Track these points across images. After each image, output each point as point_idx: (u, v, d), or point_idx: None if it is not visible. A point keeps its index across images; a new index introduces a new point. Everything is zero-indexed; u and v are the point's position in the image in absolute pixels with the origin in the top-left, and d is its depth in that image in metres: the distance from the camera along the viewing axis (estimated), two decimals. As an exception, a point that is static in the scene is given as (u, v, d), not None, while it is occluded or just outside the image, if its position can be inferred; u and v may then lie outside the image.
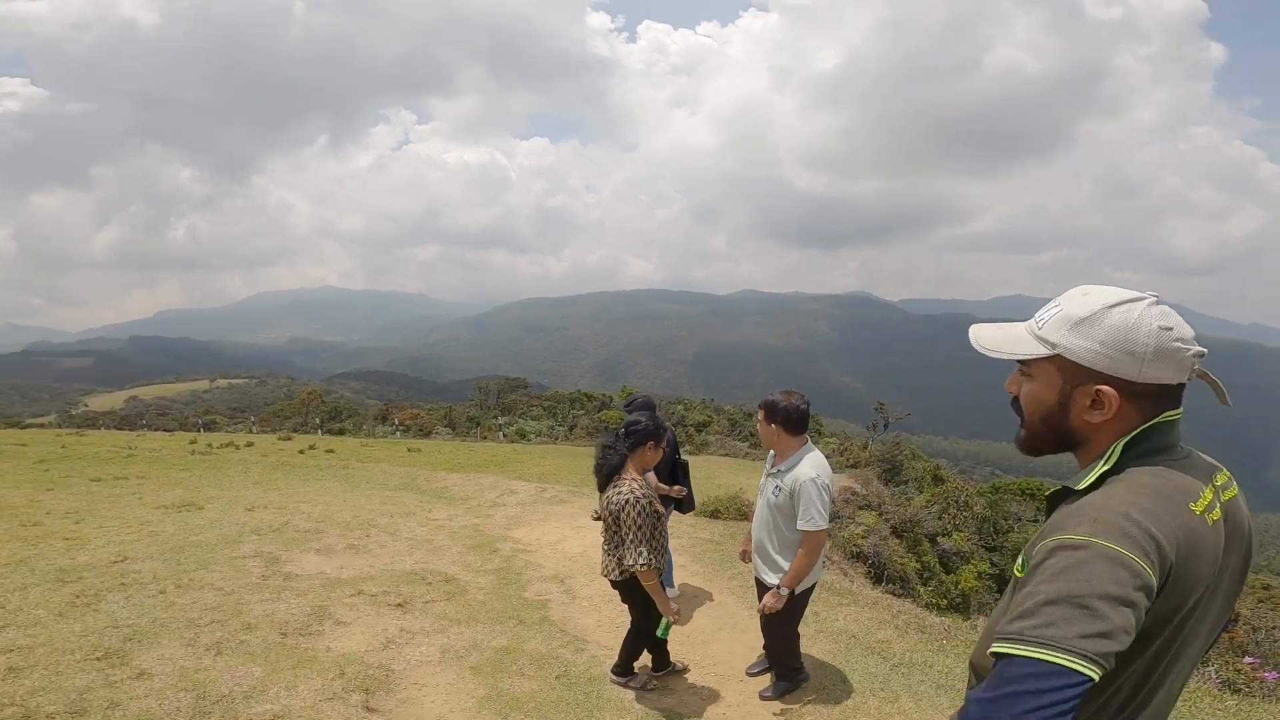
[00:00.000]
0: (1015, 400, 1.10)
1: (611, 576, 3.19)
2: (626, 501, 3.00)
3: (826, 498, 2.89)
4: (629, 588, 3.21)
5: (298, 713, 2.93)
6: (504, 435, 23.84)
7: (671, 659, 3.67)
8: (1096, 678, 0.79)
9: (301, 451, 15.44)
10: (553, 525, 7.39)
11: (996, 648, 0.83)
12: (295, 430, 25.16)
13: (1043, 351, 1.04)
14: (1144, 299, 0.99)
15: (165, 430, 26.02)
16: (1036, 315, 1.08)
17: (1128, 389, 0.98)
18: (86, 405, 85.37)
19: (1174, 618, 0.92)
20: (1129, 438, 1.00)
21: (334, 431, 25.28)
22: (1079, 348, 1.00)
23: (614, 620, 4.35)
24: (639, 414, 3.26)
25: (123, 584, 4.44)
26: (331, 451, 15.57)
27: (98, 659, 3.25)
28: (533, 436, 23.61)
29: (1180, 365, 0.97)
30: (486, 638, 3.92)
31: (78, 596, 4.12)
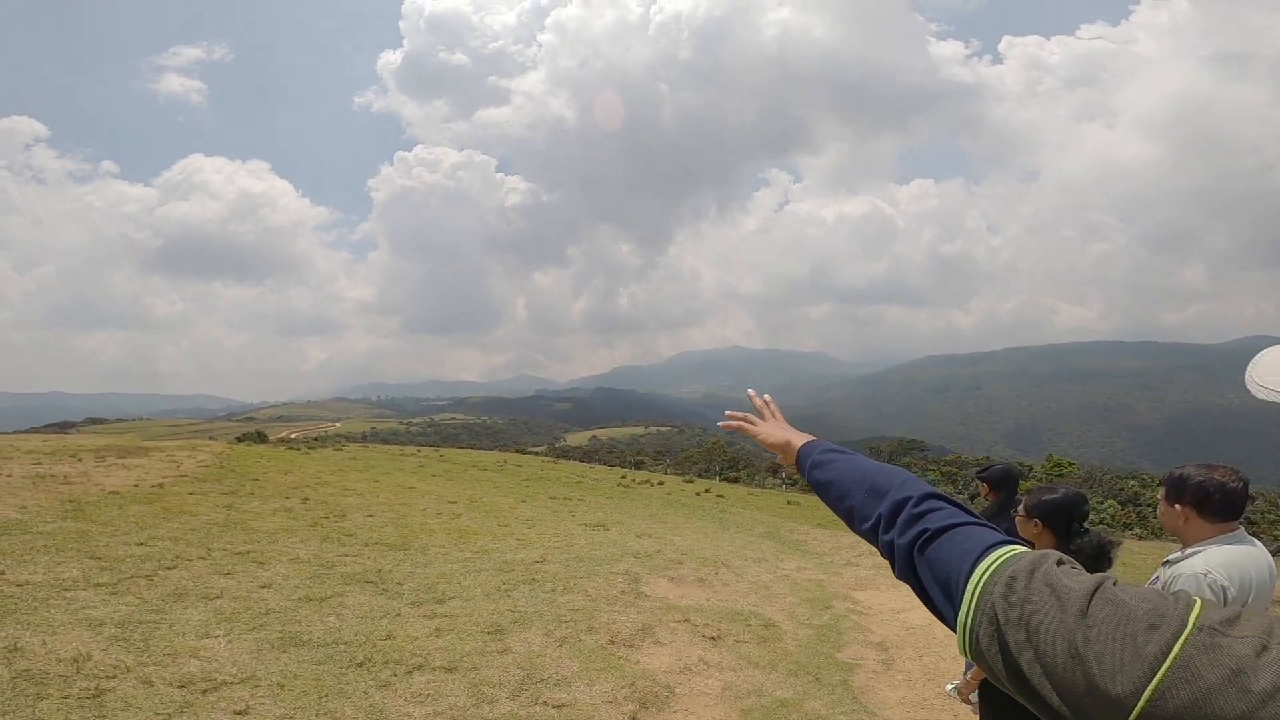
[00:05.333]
0: None
1: None
2: None
3: (1213, 599, 2.09)
4: None
5: (580, 706, 3.56)
6: (889, 497, 22.67)
7: None
8: None
9: (697, 494, 17.44)
10: (902, 593, 6.94)
11: None
12: (699, 475, 28.52)
13: None
14: None
15: (607, 465, 32.47)
16: None
17: None
18: (565, 440, 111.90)
19: None
20: None
21: (729, 479, 27.73)
22: None
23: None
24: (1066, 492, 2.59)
25: (534, 579, 5.96)
26: (722, 497, 17.16)
27: (488, 633, 4.48)
28: (922, 502, 21.88)
29: None
30: (773, 686, 4.06)
31: (504, 584, 5.72)
